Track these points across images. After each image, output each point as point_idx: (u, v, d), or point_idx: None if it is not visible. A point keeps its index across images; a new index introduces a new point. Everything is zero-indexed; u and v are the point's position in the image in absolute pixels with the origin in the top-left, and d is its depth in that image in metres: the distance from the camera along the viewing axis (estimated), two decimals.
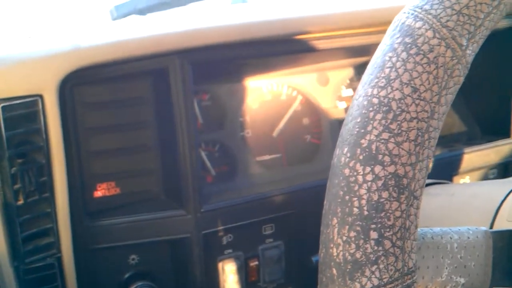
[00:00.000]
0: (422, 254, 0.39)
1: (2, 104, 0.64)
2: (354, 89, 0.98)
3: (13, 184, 0.66)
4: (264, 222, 0.85)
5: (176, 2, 0.99)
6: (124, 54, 0.71)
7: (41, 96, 0.67)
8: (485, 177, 1.00)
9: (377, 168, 0.35)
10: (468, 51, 0.38)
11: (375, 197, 0.35)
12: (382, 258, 0.35)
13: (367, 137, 0.36)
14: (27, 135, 0.67)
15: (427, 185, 0.74)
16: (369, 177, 0.36)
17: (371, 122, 0.36)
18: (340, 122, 0.96)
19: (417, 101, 0.36)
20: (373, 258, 0.35)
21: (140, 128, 0.79)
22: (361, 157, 0.36)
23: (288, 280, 0.88)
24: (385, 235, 0.35)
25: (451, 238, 0.41)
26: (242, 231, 0.83)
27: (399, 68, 0.36)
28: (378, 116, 0.36)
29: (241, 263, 0.84)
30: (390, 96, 0.36)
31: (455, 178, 0.96)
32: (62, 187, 0.70)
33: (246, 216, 0.82)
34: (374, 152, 0.36)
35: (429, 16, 0.37)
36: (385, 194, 0.35)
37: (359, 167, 0.36)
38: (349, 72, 0.98)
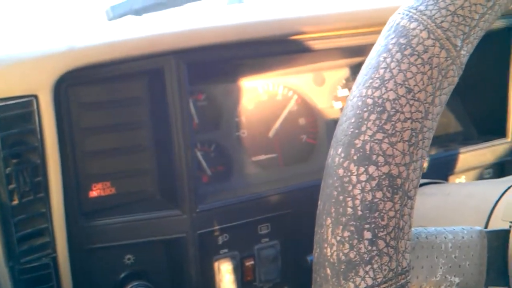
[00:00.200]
0: (416, 254, 0.39)
1: None
2: (350, 89, 0.98)
3: (7, 184, 0.66)
4: (260, 222, 0.85)
5: (172, 3, 0.99)
6: (120, 54, 0.71)
7: (36, 96, 0.67)
8: (481, 177, 1.00)
9: (371, 168, 0.36)
10: (462, 52, 0.38)
11: (369, 197, 0.35)
12: (376, 258, 0.35)
13: (361, 138, 0.36)
14: (22, 135, 0.67)
15: (423, 184, 0.75)
16: (363, 177, 0.36)
17: (365, 122, 0.36)
18: (336, 122, 0.96)
19: (411, 102, 0.36)
20: (367, 258, 0.35)
21: (135, 128, 0.79)
22: (355, 158, 0.36)
23: (284, 280, 0.89)
24: (379, 235, 0.35)
25: (445, 238, 0.41)
26: (238, 230, 0.83)
27: (394, 68, 0.37)
28: (372, 117, 0.36)
29: (237, 262, 0.84)
30: (384, 96, 0.36)
31: (451, 178, 0.97)
32: (57, 187, 0.70)
33: (242, 216, 0.82)
34: (368, 152, 0.36)
35: (424, 17, 0.37)
36: (379, 194, 0.35)
37: (353, 167, 0.36)
38: (345, 72, 0.98)
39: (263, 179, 0.90)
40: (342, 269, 0.36)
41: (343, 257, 0.36)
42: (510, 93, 0.99)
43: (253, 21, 0.80)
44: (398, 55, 0.37)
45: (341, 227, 0.36)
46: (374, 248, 0.35)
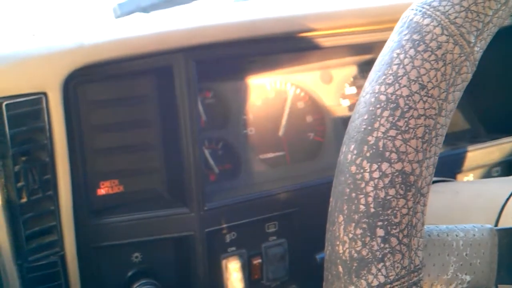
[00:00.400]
0: (428, 251, 0.39)
1: (6, 102, 0.64)
2: (358, 87, 0.98)
3: (16, 182, 0.66)
4: (267, 220, 0.85)
5: (180, 0, 0.99)
6: (129, 52, 0.71)
7: (45, 94, 0.67)
8: (489, 175, 1.00)
9: (384, 165, 0.35)
10: (476, 48, 0.37)
11: (382, 195, 0.35)
12: (389, 255, 0.35)
13: (374, 134, 0.36)
14: (31, 133, 0.67)
15: (431, 182, 0.74)
16: (376, 174, 0.35)
17: (378, 119, 0.36)
18: (343, 120, 0.96)
19: (424, 98, 0.36)
20: (380, 256, 0.35)
21: (143, 126, 0.79)
22: (368, 154, 0.36)
23: (292, 278, 0.88)
24: (391, 232, 0.35)
25: (457, 235, 0.41)
26: (246, 229, 0.83)
27: (407, 65, 0.36)
28: (386, 113, 0.36)
29: (245, 261, 0.84)
30: (398, 93, 0.36)
31: (459, 176, 0.96)
32: (66, 185, 0.70)
33: (250, 214, 0.82)
34: (381, 149, 0.36)
35: (438, 13, 0.37)
36: (392, 192, 0.35)
37: (366, 164, 0.36)
38: (353, 70, 0.97)
39: (271, 177, 0.90)
40: (354, 267, 0.36)
41: (355, 255, 0.36)
42: None
43: (261, 18, 0.80)
44: (412, 51, 0.37)
45: (353, 224, 0.36)
46: (387, 245, 0.35)
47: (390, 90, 0.36)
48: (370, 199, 0.35)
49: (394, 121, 0.36)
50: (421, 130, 0.36)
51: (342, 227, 0.36)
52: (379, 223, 0.35)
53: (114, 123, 0.77)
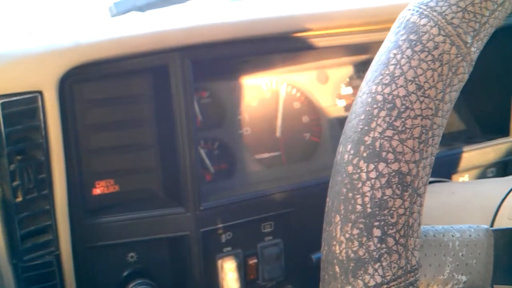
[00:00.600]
0: (425, 251, 0.39)
1: (1, 101, 0.64)
2: (354, 87, 0.98)
3: (12, 181, 0.66)
4: (263, 220, 0.85)
5: None
6: (125, 51, 0.71)
7: (40, 93, 0.66)
8: (484, 176, 1.00)
9: (381, 166, 0.35)
10: (472, 49, 0.37)
11: (379, 195, 0.35)
12: (385, 255, 0.35)
13: (371, 134, 0.36)
14: (27, 132, 0.66)
15: None
16: (373, 175, 0.35)
17: (375, 119, 0.36)
18: (339, 120, 0.96)
19: (421, 99, 0.36)
20: (376, 256, 0.35)
21: (139, 125, 0.79)
22: (364, 154, 0.36)
23: (287, 278, 0.88)
24: (388, 232, 0.35)
25: (453, 236, 0.41)
26: (241, 229, 0.83)
27: (404, 65, 0.36)
28: (382, 113, 0.36)
29: (240, 261, 0.84)
30: (395, 93, 0.36)
31: (454, 177, 0.96)
32: (61, 184, 0.70)
33: (245, 214, 0.82)
34: (378, 149, 0.36)
35: (434, 13, 0.37)
36: (388, 192, 0.35)
37: (362, 164, 0.36)
38: (349, 70, 0.97)
39: (266, 177, 0.90)
40: (351, 267, 0.36)
41: (352, 255, 0.36)
42: None
43: (257, 18, 0.80)
44: (409, 52, 0.37)
45: (350, 224, 0.36)
46: (384, 245, 0.35)
47: (387, 90, 0.36)
48: (367, 199, 0.35)
49: (391, 121, 0.36)
50: (418, 130, 0.36)
51: (339, 227, 0.36)
52: (376, 223, 0.35)
53: (110, 122, 0.77)
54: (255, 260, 0.85)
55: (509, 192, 0.58)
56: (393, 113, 0.36)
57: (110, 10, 0.98)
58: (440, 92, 0.36)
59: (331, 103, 0.96)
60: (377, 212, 0.35)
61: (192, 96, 0.75)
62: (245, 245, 0.84)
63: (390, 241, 0.35)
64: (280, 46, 0.82)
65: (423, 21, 0.37)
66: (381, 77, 0.37)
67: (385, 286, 0.35)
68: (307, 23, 0.81)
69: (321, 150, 0.95)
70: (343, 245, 0.36)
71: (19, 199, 0.67)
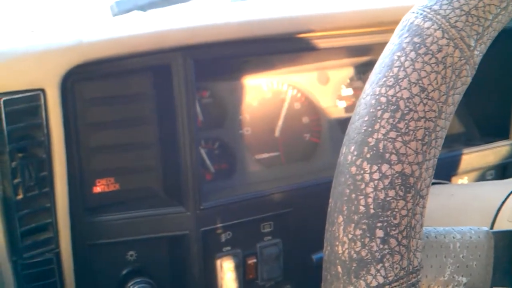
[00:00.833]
0: (426, 253, 0.39)
1: (4, 98, 0.64)
2: (354, 89, 0.98)
3: (13, 179, 0.66)
4: (262, 220, 0.85)
5: None
6: (126, 50, 0.71)
7: (43, 91, 0.67)
8: (483, 178, 1.00)
9: (384, 167, 0.36)
10: (476, 52, 0.38)
11: (382, 196, 0.35)
12: (388, 256, 0.35)
13: (375, 136, 0.36)
14: (28, 130, 0.67)
15: None
16: (376, 176, 0.36)
17: (379, 120, 0.36)
18: (339, 121, 0.96)
19: (425, 101, 0.36)
20: (379, 256, 0.35)
21: (140, 124, 0.79)
22: (368, 156, 0.36)
23: (286, 278, 0.89)
24: (391, 233, 0.35)
25: (454, 237, 0.41)
26: (241, 228, 0.83)
27: (408, 67, 0.37)
28: (386, 115, 0.36)
29: (239, 260, 0.84)
30: (398, 95, 0.36)
31: (454, 179, 0.97)
32: (62, 182, 0.70)
33: (245, 213, 0.82)
34: (381, 150, 0.36)
35: (438, 17, 0.37)
36: (391, 193, 0.35)
37: (366, 166, 0.36)
38: (350, 71, 0.98)
39: (266, 177, 0.90)
40: (353, 267, 0.36)
41: (354, 255, 0.36)
42: None
43: (259, 19, 0.80)
44: (412, 54, 0.37)
45: (353, 225, 0.36)
46: (386, 246, 0.35)
47: (391, 92, 0.36)
48: (370, 200, 0.36)
49: (394, 123, 0.36)
50: (421, 132, 0.36)
51: (341, 227, 0.37)
52: (379, 224, 0.35)
53: (112, 121, 0.77)
54: (254, 260, 0.85)
55: (509, 195, 0.58)
56: (396, 115, 0.36)
57: (112, 9, 0.99)
58: (443, 95, 0.36)
59: (331, 104, 0.96)
60: (380, 213, 0.35)
61: (194, 96, 0.76)
62: (244, 245, 0.85)
63: (393, 242, 0.35)
64: (282, 46, 0.82)
65: (427, 24, 0.38)
66: (385, 79, 0.37)
67: (387, 286, 0.35)
68: (309, 24, 0.81)
69: (321, 151, 0.95)
70: (346, 246, 0.36)
71: (20, 196, 0.67)
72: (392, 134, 0.36)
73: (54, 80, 0.67)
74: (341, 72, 0.97)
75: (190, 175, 0.77)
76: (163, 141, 0.80)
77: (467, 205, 0.63)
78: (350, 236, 0.36)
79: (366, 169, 0.36)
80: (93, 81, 0.74)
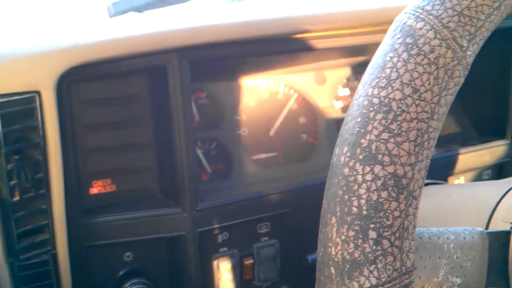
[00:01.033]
0: (419, 254, 0.39)
1: None
2: (351, 89, 0.98)
3: (9, 180, 0.66)
4: (259, 221, 0.85)
5: (173, 0, 0.99)
6: (122, 52, 0.71)
7: (38, 93, 0.66)
8: (480, 178, 1.00)
9: (377, 168, 0.36)
10: (468, 52, 0.38)
11: (374, 197, 0.35)
12: (381, 257, 0.36)
13: (367, 137, 0.36)
14: (24, 132, 0.67)
15: None
16: (369, 177, 0.36)
17: (371, 122, 0.36)
18: (336, 122, 0.96)
19: (417, 102, 0.36)
20: (372, 258, 0.35)
21: (137, 125, 0.79)
22: (360, 157, 0.36)
23: (283, 279, 0.89)
24: (383, 234, 0.35)
25: (447, 238, 0.41)
26: (238, 229, 0.83)
27: (400, 68, 0.37)
28: (379, 116, 0.36)
29: (236, 261, 0.84)
30: (391, 96, 0.36)
31: (450, 179, 0.97)
32: (58, 184, 0.70)
33: (242, 214, 0.82)
34: (374, 152, 0.36)
35: (430, 17, 0.37)
36: (384, 194, 0.35)
37: (358, 167, 0.36)
38: (346, 71, 0.98)
39: (263, 177, 0.90)
40: (346, 268, 0.36)
41: (347, 256, 0.36)
42: (511, 95, 0.99)
43: (255, 20, 0.80)
44: (405, 55, 0.37)
45: (346, 226, 0.36)
46: (379, 247, 0.35)
47: (383, 93, 0.37)
48: (362, 201, 0.36)
49: (387, 124, 0.36)
50: (414, 133, 0.36)
51: (334, 229, 0.37)
52: (372, 226, 0.35)
53: (108, 122, 0.77)
54: (251, 261, 0.85)
55: (504, 195, 0.58)
56: (389, 116, 0.36)
57: (109, 10, 0.99)
58: (436, 96, 0.37)
59: (328, 104, 0.96)
60: (372, 214, 0.35)
61: (189, 97, 0.76)
62: (241, 246, 0.85)
63: (385, 243, 0.35)
64: (278, 47, 0.82)
65: (419, 25, 0.38)
66: (377, 80, 0.37)
67: None
68: (305, 24, 0.81)
69: (318, 151, 0.95)
70: (339, 247, 0.36)
71: (16, 198, 0.67)
72: (385, 135, 0.36)
73: (49, 82, 0.67)
74: (338, 72, 0.97)
75: (186, 176, 0.77)
76: (159, 142, 0.80)
77: (463, 205, 0.63)
78: (343, 237, 0.36)
79: (358, 170, 0.36)
80: (88, 82, 0.74)
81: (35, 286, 0.71)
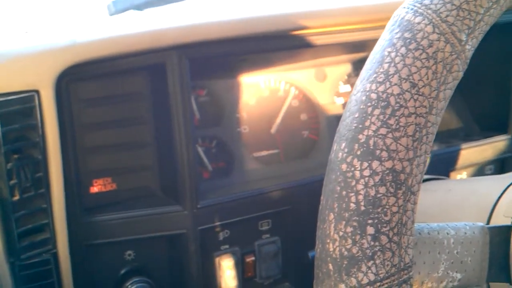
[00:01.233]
0: (419, 249, 0.39)
1: None
2: (352, 85, 0.98)
3: (9, 180, 0.66)
4: (260, 218, 0.85)
5: None
6: (122, 49, 0.71)
7: (37, 92, 0.66)
8: (482, 173, 1.00)
9: (375, 164, 0.35)
10: (467, 46, 0.37)
11: (372, 193, 0.35)
12: (379, 253, 0.35)
13: (365, 132, 0.36)
14: (23, 131, 0.67)
15: (424, 180, 0.74)
16: (367, 173, 0.35)
17: (369, 117, 0.36)
18: (338, 118, 0.96)
19: (415, 96, 0.36)
20: (370, 254, 0.35)
21: (136, 123, 0.79)
22: (358, 153, 0.36)
23: (285, 276, 0.88)
24: (381, 230, 0.35)
25: (447, 233, 0.41)
26: (239, 226, 0.83)
27: (398, 63, 0.36)
28: (376, 111, 0.36)
29: (238, 258, 0.84)
30: (389, 91, 0.36)
31: (452, 174, 0.96)
32: (58, 183, 0.70)
33: (243, 211, 0.82)
34: (371, 147, 0.36)
35: (429, 11, 0.37)
36: (382, 190, 0.35)
37: (356, 163, 0.36)
38: (347, 67, 0.97)
39: (264, 175, 0.90)
40: (344, 265, 0.36)
41: (345, 253, 0.36)
42: None
43: (254, 16, 0.80)
44: (403, 50, 0.37)
45: (344, 222, 0.36)
46: (377, 243, 0.35)
47: (381, 88, 0.36)
48: (360, 197, 0.35)
49: (385, 119, 0.36)
50: (412, 128, 0.36)
51: (332, 225, 0.36)
52: (370, 221, 0.35)
53: (107, 121, 0.77)
54: (253, 258, 0.85)
55: (505, 190, 0.58)
56: (387, 111, 0.36)
57: (109, 8, 0.98)
58: (434, 90, 0.36)
59: (329, 101, 0.96)
60: (370, 210, 0.35)
61: (189, 94, 0.75)
62: (242, 243, 0.84)
63: (384, 239, 0.35)
64: (278, 44, 0.81)
65: (418, 19, 0.37)
66: (375, 75, 0.37)
67: (378, 284, 0.35)
68: (305, 21, 0.81)
69: (319, 148, 0.95)
70: (337, 243, 0.36)
71: (16, 197, 0.67)
72: (383, 131, 0.36)
73: (48, 81, 0.67)
74: (338, 68, 0.97)
75: (186, 174, 0.76)
76: (159, 140, 0.80)
77: (464, 201, 0.63)
78: (341, 233, 0.36)
79: (356, 166, 0.36)
80: (88, 81, 0.74)
81: (36, 286, 0.71)
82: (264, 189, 0.83)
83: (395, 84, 0.36)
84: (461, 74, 0.38)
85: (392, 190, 0.35)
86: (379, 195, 0.35)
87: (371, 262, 0.35)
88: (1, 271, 0.68)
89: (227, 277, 0.84)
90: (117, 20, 0.87)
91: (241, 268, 0.85)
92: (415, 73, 0.36)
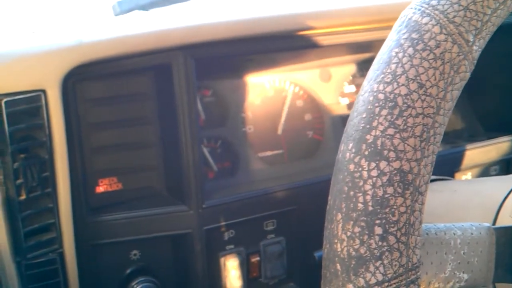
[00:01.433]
0: (426, 250, 0.39)
1: (5, 99, 0.64)
2: (357, 85, 0.98)
3: (15, 179, 0.66)
4: (265, 218, 0.85)
5: None
6: (128, 49, 0.71)
7: (44, 91, 0.67)
8: (487, 174, 1.00)
9: (382, 164, 0.35)
10: (474, 47, 0.37)
11: (380, 193, 0.35)
12: (387, 253, 0.35)
13: (373, 133, 0.36)
14: (30, 130, 0.67)
15: (430, 181, 0.74)
16: (374, 173, 0.36)
17: (377, 117, 0.36)
18: (342, 118, 0.96)
19: (423, 97, 0.36)
20: (378, 254, 0.35)
21: (142, 124, 0.80)
22: (366, 153, 0.36)
23: (289, 276, 0.88)
24: (389, 230, 0.35)
25: (454, 234, 0.41)
26: (244, 227, 0.83)
27: (406, 63, 0.36)
28: (384, 112, 0.36)
29: (243, 258, 0.84)
30: (396, 91, 0.36)
31: (457, 175, 0.96)
32: (64, 182, 0.70)
33: (248, 212, 0.82)
34: (379, 147, 0.36)
35: (436, 12, 0.37)
36: (390, 190, 0.35)
37: (364, 163, 0.36)
38: (352, 68, 0.97)
39: (269, 175, 0.90)
40: (352, 265, 0.36)
41: (353, 253, 0.36)
42: None
43: (260, 17, 0.80)
44: (410, 50, 0.37)
45: (351, 222, 0.36)
46: (385, 243, 0.35)
47: (389, 88, 0.36)
48: (368, 197, 0.35)
49: (392, 119, 0.36)
50: (419, 128, 0.36)
51: (340, 225, 0.36)
52: (377, 221, 0.35)
53: (113, 120, 0.77)
54: (258, 258, 0.85)
55: (511, 191, 0.58)
56: (394, 111, 0.36)
57: (114, 9, 0.98)
58: (441, 91, 0.36)
59: (334, 101, 0.96)
60: (378, 210, 0.35)
61: (195, 95, 0.76)
62: (247, 243, 0.85)
63: (392, 239, 0.35)
64: (283, 44, 0.82)
65: (425, 20, 0.37)
66: (382, 75, 0.37)
67: (386, 284, 0.35)
68: (310, 21, 0.81)
69: (324, 148, 0.95)
70: (345, 243, 0.36)
71: (23, 197, 0.67)
72: (390, 131, 0.36)
73: (55, 81, 0.67)
74: (343, 69, 0.97)
75: (192, 174, 0.77)
76: (165, 140, 0.80)
77: (469, 201, 0.63)
78: (348, 233, 0.36)
79: (364, 166, 0.36)
80: (94, 81, 0.75)
81: (42, 285, 0.71)
82: (269, 189, 0.83)
83: (403, 85, 0.36)
84: (468, 75, 0.38)
85: (400, 190, 0.35)
86: (387, 196, 0.35)
87: (379, 262, 0.35)
88: (8, 270, 0.68)
89: (232, 277, 0.84)
90: (123, 20, 0.87)
91: (246, 268, 0.85)
92: (422, 73, 0.36)
